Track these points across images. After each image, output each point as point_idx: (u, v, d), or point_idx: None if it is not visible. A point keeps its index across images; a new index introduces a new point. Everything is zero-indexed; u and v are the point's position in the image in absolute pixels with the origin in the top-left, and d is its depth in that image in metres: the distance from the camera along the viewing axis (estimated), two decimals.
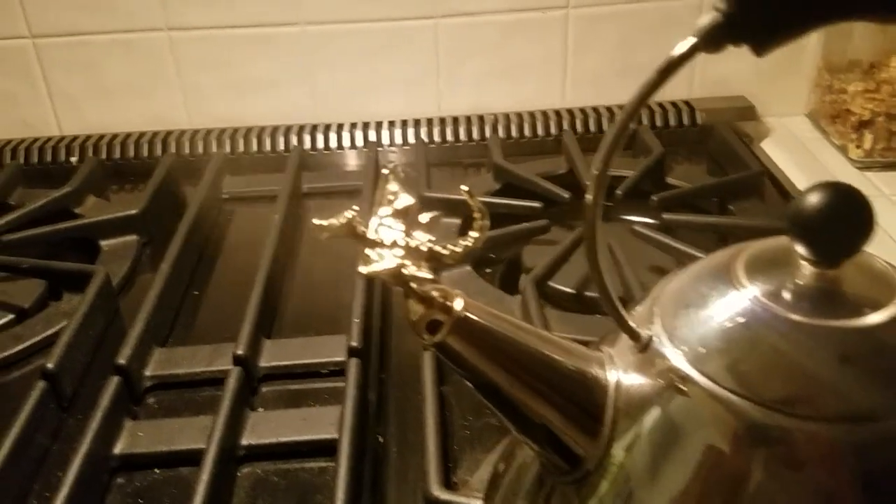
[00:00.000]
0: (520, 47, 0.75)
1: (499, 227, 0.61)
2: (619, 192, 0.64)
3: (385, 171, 0.31)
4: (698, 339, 0.29)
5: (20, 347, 0.51)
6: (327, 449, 0.43)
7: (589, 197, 0.28)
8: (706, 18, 0.26)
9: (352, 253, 0.59)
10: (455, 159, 0.75)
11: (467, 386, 0.48)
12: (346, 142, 0.75)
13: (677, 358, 0.28)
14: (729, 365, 0.28)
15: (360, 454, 0.43)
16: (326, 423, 0.45)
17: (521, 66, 0.76)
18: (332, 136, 0.75)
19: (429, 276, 0.28)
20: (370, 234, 0.29)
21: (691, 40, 0.27)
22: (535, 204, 0.63)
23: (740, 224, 0.61)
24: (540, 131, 0.75)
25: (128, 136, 0.75)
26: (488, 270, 0.62)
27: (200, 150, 0.74)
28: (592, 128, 0.75)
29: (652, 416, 0.29)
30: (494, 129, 0.75)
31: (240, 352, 0.47)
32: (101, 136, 0.75)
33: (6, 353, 0.51)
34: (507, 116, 0.76)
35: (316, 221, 0.28)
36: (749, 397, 0.27)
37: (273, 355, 0.50)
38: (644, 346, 0.29)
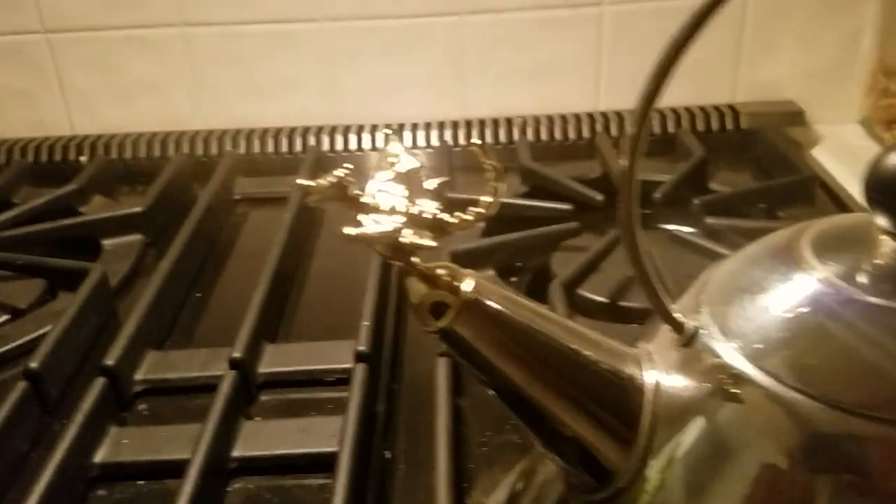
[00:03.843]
0: (550, 46, 0.71)
1: (524, 230, 0.56)
2: (657, 196, 0.59)
3: (387, 131, 0.27)
4: (756, 331, 0.24)
5: (5, 348, 0.48)
6: (326, 463, 0.38)
7: (623, 162, 0.24)
8: None
9: (369, 255, 0.55)
10: (480, 164, 0.71)
11: (487, 397, 0.44)
12: (366, 143, 0.71)
13: (730, 353, 0.24)
14: (794, 359, 0.23)
15: (363, 470, 0.39)
16: (327, 434, 0.40)
17: (551, 66, 0.72)
18: (352, 138, 0.71)
19: (431, 243, 0.23)
20: (365, 198, 0.25)
21: None
22: (566, 206, 0.58)
23: None
24: (571, 134, 0.71)
25: (139, 135, 0.72)
26: (514, 279, 0.57)
27: (214, 150, 0.71)
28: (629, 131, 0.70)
29: (698, 423, 0.24)
30: (523, 132, 0.71)
31: (236, 355, 0.43)
32: (113, 136, 0.72)
33: None
34: (536, 119, 0.72)
35: (300, 181, 0.24)
36: (819, 398, 0.22)
37: (274, 360, 0.46)
38: (689, 340, 0.24)
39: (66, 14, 0.70)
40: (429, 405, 0.42)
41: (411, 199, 0.25)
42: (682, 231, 0.58)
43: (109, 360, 0.43)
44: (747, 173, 0.68)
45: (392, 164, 0.26)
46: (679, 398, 0.24)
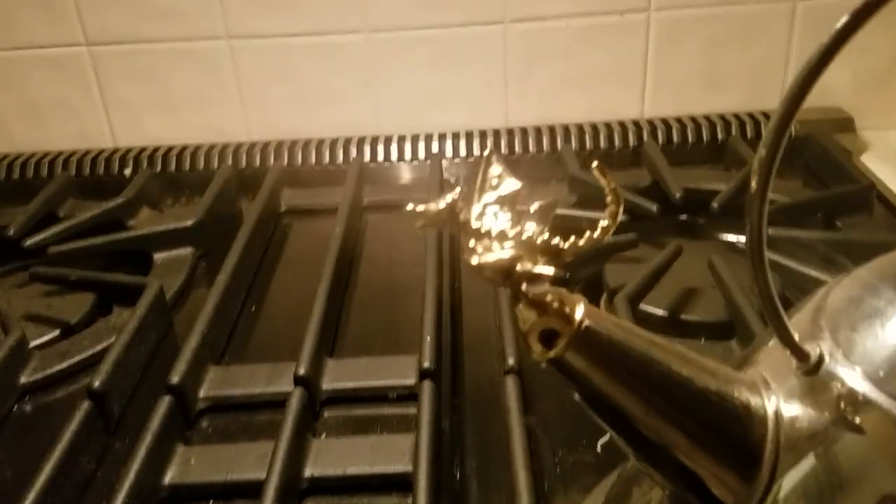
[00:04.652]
0: (595, 54, 0.71)
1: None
2: (714, 205, 0.58)
3: (487, 151, 0.26)
4: (883, 358, 0.23)
5: (65, 365, 0.48)
6: (401, 483, 0.38)
7: (753, 184, 0.23)
8: None
9: (418, 267, 0.54)
10: (524, 173, 0.70)
11: (555, 416, 0.43)
12: (409, 154, 0.71)
13: (858, 380, 0.23)
14: None
15: (438, 491, 0.38)
16: (398, 453, 0.40)
17: (596, 73, 0.71)
18: (394, 149, 0.71)
19: (549, 271, 0.23)
20: (474, 224, 0.24)
21: None
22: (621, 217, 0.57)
23: (858, 240, 0.54)
24: (618, 143, 0.70)
25: (184, 147, 0.72)
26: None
27: (258, 162, 0.70)
28: (676, 139, 0.69)
29: (826, 454, 0.23)
30: (567, 140, 0.70)
31: (302, 371, 0.42)
32: (157, 148, 0.72)
33: (50, 371, 0.47)
34: (580, 127, 0.71)
35: (411, 207, 0.23)
36: None
37: (336, 376, 0.45)
38: (815, 367, 0.24)
39: (109, 26, 0.69)
40: (495, 421, 0.41)
41: (516, 222, 0.25)
42: (741, 241, 0.57)
43: (175, 378, 0.43)
44: (798, 181, 0.67)
45: (494, 187, 0.26)
46: (802, 427, 0.24)
